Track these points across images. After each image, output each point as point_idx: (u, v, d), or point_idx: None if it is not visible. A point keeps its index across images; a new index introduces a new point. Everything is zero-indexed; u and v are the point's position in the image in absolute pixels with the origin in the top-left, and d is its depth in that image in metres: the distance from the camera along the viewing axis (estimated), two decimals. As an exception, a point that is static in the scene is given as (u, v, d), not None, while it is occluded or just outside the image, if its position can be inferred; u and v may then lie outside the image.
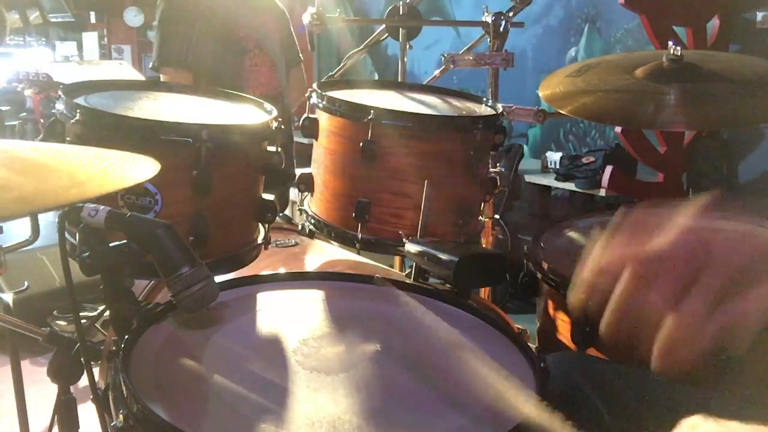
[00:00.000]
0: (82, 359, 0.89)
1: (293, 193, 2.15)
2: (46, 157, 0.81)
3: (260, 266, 1.22)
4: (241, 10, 2.44)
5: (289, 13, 2.67)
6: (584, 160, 3.75)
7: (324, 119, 1.29)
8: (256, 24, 2.49)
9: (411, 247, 1.18)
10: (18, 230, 1.44)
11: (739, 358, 1.03)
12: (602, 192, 3.38)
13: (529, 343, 0.92)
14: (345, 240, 1.30)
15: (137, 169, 0.81)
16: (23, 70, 2.64)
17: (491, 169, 1.41)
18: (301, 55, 2.73)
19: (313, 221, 1.35)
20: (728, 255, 0.54)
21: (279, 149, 1.21)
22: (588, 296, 0.55)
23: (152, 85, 1.57)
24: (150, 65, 2.48)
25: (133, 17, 7.05)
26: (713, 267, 0.53)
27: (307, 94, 1.33)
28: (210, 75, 2.35)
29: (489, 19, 1.83)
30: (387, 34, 1.99)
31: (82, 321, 0.91)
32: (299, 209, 1.40)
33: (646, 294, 0.53)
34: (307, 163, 1.39)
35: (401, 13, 1.91)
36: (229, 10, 2.41)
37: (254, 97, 1.33)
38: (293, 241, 1.50)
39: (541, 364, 0.83)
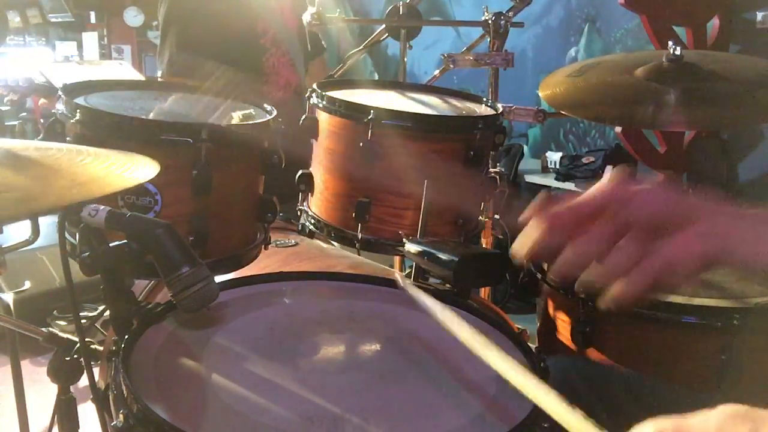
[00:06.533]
0: (82, 359, 0.89)
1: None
2: (47, 158, 0.81)
3: (260, 266, 1.22)
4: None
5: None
6: (584, 160, 3.75)
7: (324, 119, 1.29)
8: (273, 13, 2.17)
9: (411, 247, 1.18)
10: (18, 230, 1.44)
11: (739, 359, 1.03)
12: (602, 192, 3.37)
13: (529, 343, 0.92)
14: (345, 240, 1.29)
15: (138, 169, 0.81)
16: (2, 78, 2.59)
17: (491, 169, 1.41)
18: (324, 42, 2.44)
19: (313, 221, 1.35)
20: (644, 208, 0.65)
21: (279, 149, 1.21)
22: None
23: (152, 85, 1.57)
24: (159, 77, 2.19)
25: (133, 17, 7.04)
26: (635, 221, 0.64)
27: (307, 94, 1.33)
28: (226, 87, 2.12)
29: (489, 19, 1.83)
30: (387, 34, 1.98)
31: (82, 321, 0.91)
32: (299, 209, 1.40)
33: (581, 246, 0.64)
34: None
35: (401, 13, 1.91)
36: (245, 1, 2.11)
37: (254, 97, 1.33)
38: (293, 241, 1.51)
39: (541, 364, 0.83)
